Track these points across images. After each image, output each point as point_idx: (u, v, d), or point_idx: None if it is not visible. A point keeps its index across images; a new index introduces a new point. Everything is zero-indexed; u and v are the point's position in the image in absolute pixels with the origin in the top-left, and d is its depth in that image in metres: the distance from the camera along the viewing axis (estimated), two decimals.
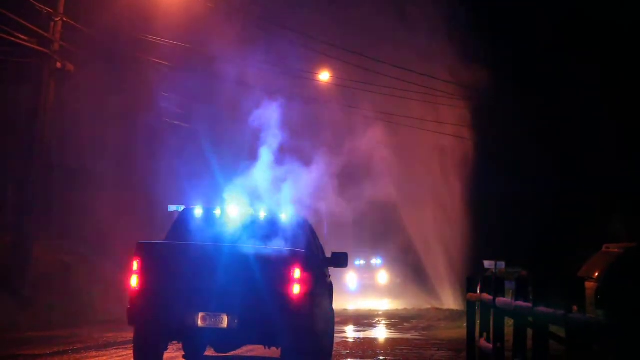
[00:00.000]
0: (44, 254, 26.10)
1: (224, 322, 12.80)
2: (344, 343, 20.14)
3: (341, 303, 33.62)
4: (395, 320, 30.60)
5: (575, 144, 41.57)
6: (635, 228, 30.58)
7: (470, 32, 41.12)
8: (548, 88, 42.43)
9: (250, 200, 14.87)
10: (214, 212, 14.50)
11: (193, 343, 15.04)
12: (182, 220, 14.56)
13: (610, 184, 38.89)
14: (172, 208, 14.78)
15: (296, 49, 32.26)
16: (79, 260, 28.46)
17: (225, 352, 15.24)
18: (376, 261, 55.29)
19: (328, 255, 16.26)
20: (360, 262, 53.25)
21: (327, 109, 38.71)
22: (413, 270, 48.40)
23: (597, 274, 18.56)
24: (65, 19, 24.46)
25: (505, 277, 20.73)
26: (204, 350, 16.04)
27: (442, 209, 46.10)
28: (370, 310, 37.76)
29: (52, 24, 24.08)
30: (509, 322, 12.52)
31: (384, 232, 47.36)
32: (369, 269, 54.75)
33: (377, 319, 30.93)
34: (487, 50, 41.43)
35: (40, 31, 23.61)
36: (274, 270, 12.93)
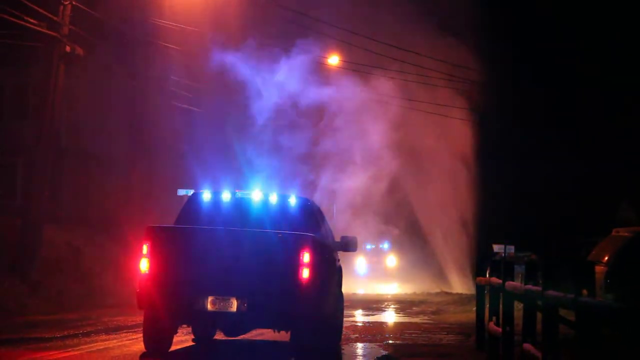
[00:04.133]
0: (53, 238, 26.16)
1: (233, 306, 12.81)
2: (353, 327, 20.16)
3: (350, 287, 33.65)
4: (404, 304, 30.61)
5: (586, 128, 41.49)
6: None
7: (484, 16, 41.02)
8: (561, 73, 42.34)
9: (260, 184, 14.87)
10: (223, 196, 14.50)
11: (202, 327, 15.07)
12: (191, 205, 14.55)
13: (621, 168, 38.83)
14: (181, 192, 14.79)
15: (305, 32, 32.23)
16: (89, 244, 28.54)
17: (235, 336, 15.27)
18: (385, 245, 55.25)
19: (337, 239, 16.26)
20: (370, 246, 53.20)
21: (337, 93, 38.73)
22: (422, 254, 48.37)
23: (606, 258, 18.54)
24: (74, 3, 24.43)
25: (514, 260, 20.75)
26: (214, 334, 16.07)
27: (451, 193, 46.06)
28: (379, 294, 37.78)
29: (62, 7, 24.06)
30: (518, 306, 12.50)
31: (394, 216, 47.34)
32: (378, 253, 54.67)
33: (386, 303, 30.95)
34: (499, 33, 41.34)
35: (49, 15, 23.59)
36: (283, 254, 12.93)
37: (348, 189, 45.54)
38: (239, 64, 29.59)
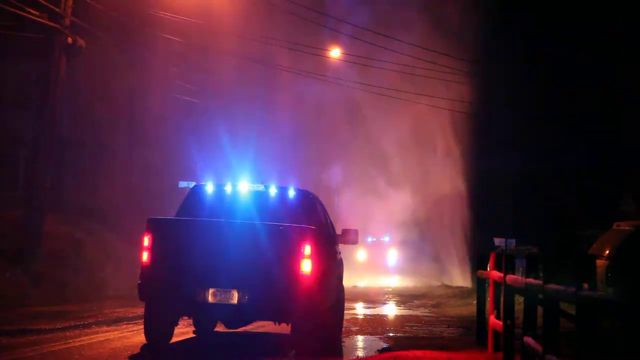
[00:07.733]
0: (55, 229, 26.16)
1: (234, 298, 12.82)
2: (354, 320, 20.17)
3: (351, 280, 33.63)
4: (405, 297, 30.62)
5: (588, 121, 41.44)
6: None
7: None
8: (560, 62, 42.28)
9: (261, 177, 14.88)
10: (225, 188, 14.50)
11: (203, 319, 15.09)
12: (192, 197, 14.55)
13: (622, 161, 38.79)
14: (182, 184, 14.78)
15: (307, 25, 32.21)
16: (90, 236, 28.55)
17: (236, 328, 15.29)
18: (386, 238, 55.30)
19: (338, 231, 16.26)
20: (371, 239, 53.24)
21: (336, 85, 38.68)
22: (423, 248, 48.41)
23: (607, 252, 18.54)
24: None
25: (515, 254, 20.75)
26: (214, 326, 16.09)
27: (452, 185, 46.08)
28: (379, 287, 37.80)
29: None
30: (519, 300, 12.51)
31: (395, 209, 47.38)
32: (379, 246, 54.71)
33: (386, 296, 30.97)
34: (495, 23, 41.31)
35: (51, 6, 23.53)
36: (284, 246, 12.94)
37: (349, 182, 45.52)
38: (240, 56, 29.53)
